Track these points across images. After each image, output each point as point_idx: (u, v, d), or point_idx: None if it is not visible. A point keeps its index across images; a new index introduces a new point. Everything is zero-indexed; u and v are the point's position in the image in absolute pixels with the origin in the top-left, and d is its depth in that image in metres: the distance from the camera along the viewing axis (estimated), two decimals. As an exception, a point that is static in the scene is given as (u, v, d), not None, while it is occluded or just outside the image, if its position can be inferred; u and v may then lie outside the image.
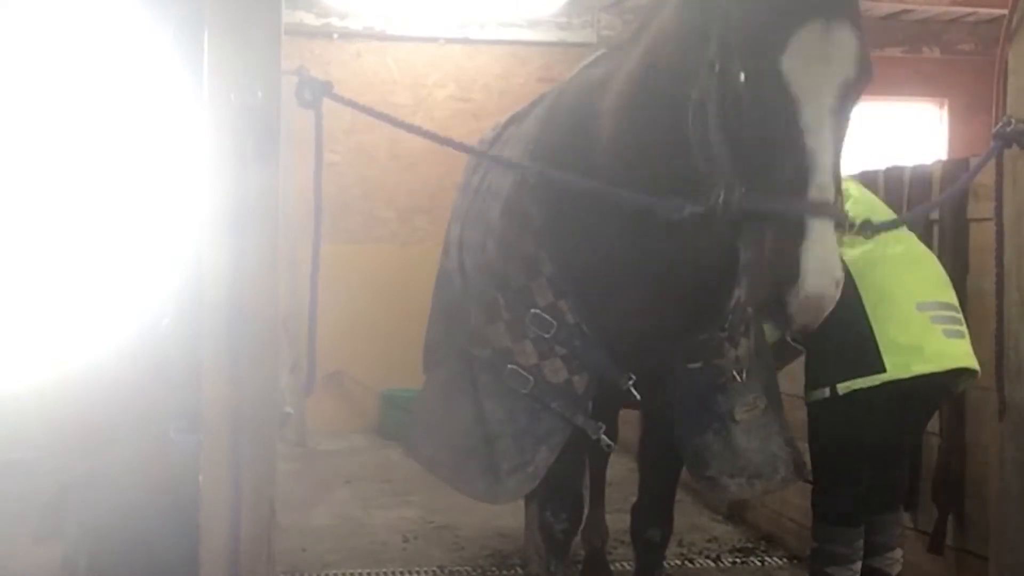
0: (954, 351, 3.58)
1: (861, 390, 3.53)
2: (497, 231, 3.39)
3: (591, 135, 3.11)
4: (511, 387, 3.21)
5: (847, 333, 3.54)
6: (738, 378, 3.34)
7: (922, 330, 3.55)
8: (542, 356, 3.20)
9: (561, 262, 3.17)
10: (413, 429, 3.50)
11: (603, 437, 3.26)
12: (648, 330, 3.21)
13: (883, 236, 3.72)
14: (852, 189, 3.91)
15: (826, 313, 2.48)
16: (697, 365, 3.27)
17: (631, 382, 3.19)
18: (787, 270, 2.40)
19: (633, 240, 3.09)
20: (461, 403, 3.32)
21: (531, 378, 3.20)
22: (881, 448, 3.71)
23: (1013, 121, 3.34)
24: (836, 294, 2.47)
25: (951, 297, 3.71)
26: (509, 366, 3.21)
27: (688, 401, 3.28)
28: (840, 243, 3.65)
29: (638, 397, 3.23)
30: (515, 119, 3.96)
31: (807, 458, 3.62)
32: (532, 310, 3.18)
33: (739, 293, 3.29)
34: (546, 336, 3.18)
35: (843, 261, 3.61)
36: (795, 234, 2.41)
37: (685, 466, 3.44)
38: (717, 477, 3.34)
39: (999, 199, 3.44)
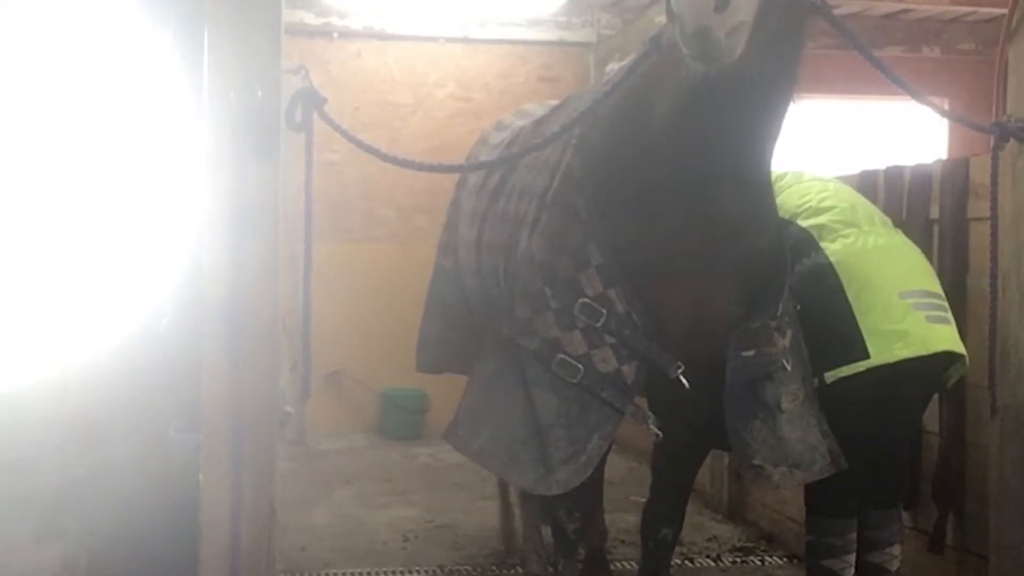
0: (937, 335, 3.59)
1: (847, 378, 3.55)
2: (542, 225, 3.40)
3: (643, 125, 3.15)
4: (561, 377, 3.22)
5: (831, 323, 3.57)
6: (787, 366, 3.36)
7: (904, 316, 3.57)
8: (591, 345, 3.21)
9: (610, 252, 3.20)
10: (460, 425, 3.49)
11: (652, 427, 3.29)
12: (699, 318, 3.24)
13: (865, 229, 3.74)
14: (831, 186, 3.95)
15: (712, 7, 2.46)
16: (750, 353, 3.28)
17: (680, 371, 3.20)
18: None
19: (681, 227, 3.13)
20: (510, 395, 3.32)
21: (581, 367, 3.21)
22: (874, 440, 3.71)
23: (1013, 119, 3.35)
24: None
25: (935, 286, 3.73)
26: (559, 356, 3.21)
27: (738, 389, 3.29)
28: (822, 237, 3.71)
29: (687, 385, 3.23)
30: (541, 121, 4.01)
31: None
32: (581, 299, 3.20)
33: (790, 281, 3.34)
34: (596, 325, 3.19)
35: (825, 254, 3.66)
36: None
37: (732, 453, 3.45)
38: (763, 465, 3.36)
39: (994, 197, 3.45)
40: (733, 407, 3.30)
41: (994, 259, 3.48)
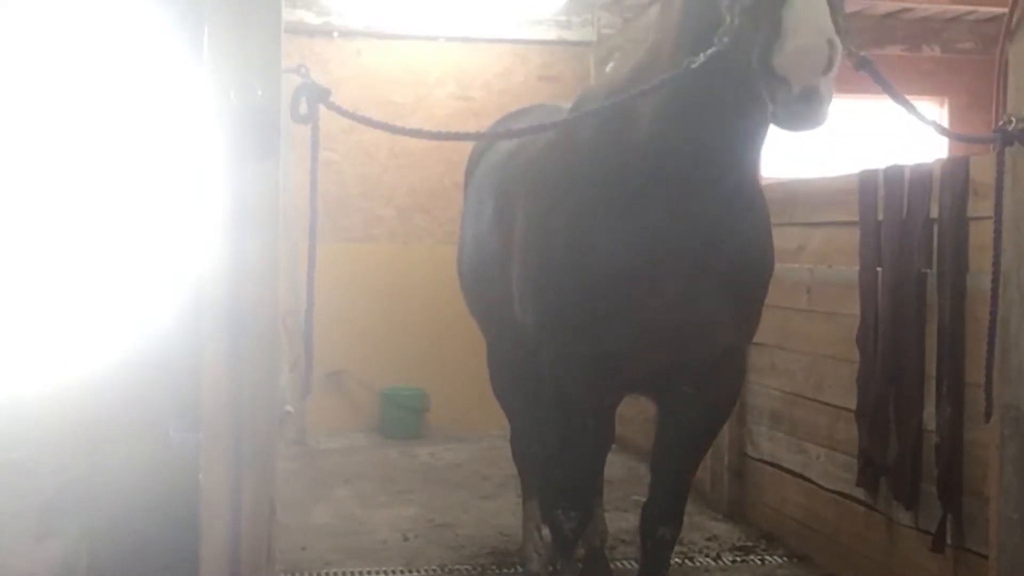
0: None
1: None
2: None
3: (626, 122, 3.18)
4: None
5: None
6: None
7: None
8: None
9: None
10: None
11: None
12: (686, 321, 3.29)
13: None
14: None
15: (822, 69, 2.44)
16: None
17: None
18: (769, 30, 2.41)
19: (644, 242, 3.19)
20: None
21: None
22: None
23: (1015, 120, 3.34)
24: (830, 51, 2.43)
25: None
26: None
27: None
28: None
29: None
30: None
31: None
32: None
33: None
34: None
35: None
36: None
37: None
38: None
39: (998, 200, 3.44)
40: None
41: (996, 260, 3.47)
